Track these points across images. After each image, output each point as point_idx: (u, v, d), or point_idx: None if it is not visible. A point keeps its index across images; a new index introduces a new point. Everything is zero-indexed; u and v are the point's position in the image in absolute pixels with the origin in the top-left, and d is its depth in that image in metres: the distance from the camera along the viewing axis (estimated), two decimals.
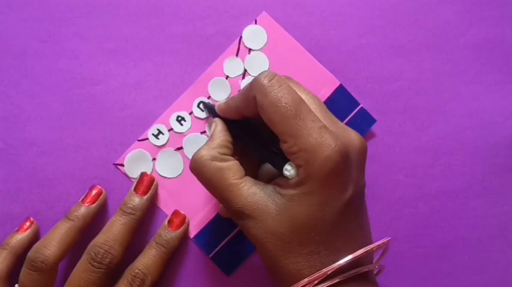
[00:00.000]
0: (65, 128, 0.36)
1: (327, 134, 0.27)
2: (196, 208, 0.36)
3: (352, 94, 0.38)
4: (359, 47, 0.38)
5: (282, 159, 0.29)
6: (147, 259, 0.33)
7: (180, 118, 0.37)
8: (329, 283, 0.27)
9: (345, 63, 0.38)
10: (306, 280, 0.27)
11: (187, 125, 0.37)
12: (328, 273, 0.27)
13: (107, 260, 0.31)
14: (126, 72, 0.37)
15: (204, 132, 0.37)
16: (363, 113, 0.38)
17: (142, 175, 0.35)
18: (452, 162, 0.38)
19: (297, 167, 0.28)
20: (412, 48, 0.38)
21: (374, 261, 0.30)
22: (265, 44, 0.37)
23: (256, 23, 0.38)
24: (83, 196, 0.34)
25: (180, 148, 0.37)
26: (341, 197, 0.28)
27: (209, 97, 0.37)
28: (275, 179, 0.30)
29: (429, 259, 0.38)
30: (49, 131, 0.36)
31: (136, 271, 0.32)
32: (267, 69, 0.37)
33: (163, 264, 0.33)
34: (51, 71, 0.36)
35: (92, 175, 0.36)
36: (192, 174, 0.36)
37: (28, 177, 0.36)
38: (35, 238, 0.34)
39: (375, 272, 0.31)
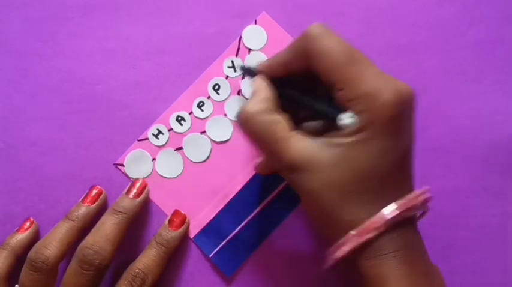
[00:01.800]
0: (65, 128, 0.36)
1: (385, 79, 0.27)
2: (196, 208, 0.36)
3: None
4: (359, 47, 0.38)
5: (335, 110, 0.28)
6: (148, 259, 0.33)
7: (180, 118, 0.37)
8: (379, 228, 0.27)
9: None
10: (360, 227, 0.27)
11: (187, 125, 0.37)
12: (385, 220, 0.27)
13: (97, 261, 0.31)
14: (126, 72, 0.37)
15: (204, 132, 0.37)
16: None
17: (134, 180, 0.35)
18: (452, 162, 0.38)
19: (356, 113, 0.27)
20: (412, 48, 0.38)
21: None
22: (265, 44, 0.37)
23: (256, 23, 0.38)
24: (83, 196, 0.34)
25: (180, 148, 0.37)
26: (401, 145, 0.27)
27: (209, 97, 0.37)
28: (326, 132, 0.29)
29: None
30: (49, 131, 0.36)
31: (137, 270, 0.32)
32: None
33: (163, 264, 0.33)
34: (51, 71, 0.36)
35: (92, 175, 0.36)
36: (192, 172, 0.36)
37: (28, 177, 0.36)
38: (35, 238, 0.34)
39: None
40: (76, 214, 0.33)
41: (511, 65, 0.39)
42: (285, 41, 0.38)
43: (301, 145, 0.28)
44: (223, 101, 0.37)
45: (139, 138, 0.36)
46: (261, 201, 0.36)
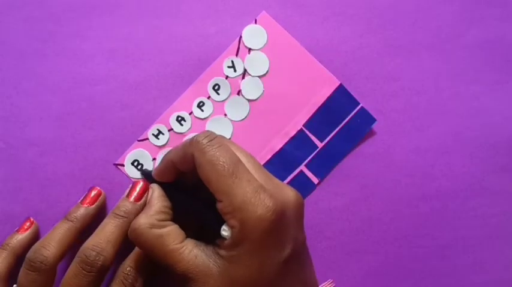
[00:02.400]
0: (65, 128, 0.36)
1: (261, 194, 0.27)
2: None
3: (352, 94, 0.38)
4: (359, 47, 0.38)
5: (219, 219, 0.29)
6: (139, 256, 0.32)
7: (180, 118, 0.37)
8: None
9: (345, 63, 0.38)
10: None
11: (187, 125, 0.37)
12: None
13: (99, 263, 0.30)
14: (126, 72, 0.37)
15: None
16: (363, 112, 0.38)
17: (134, 182, 0.35)
18: (452, 162, 0.38)
19: (232, 227, 0.28)
20: (412, 48, 0.38)
21: None
22: (265, 44, 0.37)
23: (256, 22, 0.38)
24: (82, 197, 0.34)
25: None
26: (279, 256, 0.28)
27: (209, 97, 0.37)
28: (217, 238, 0.29)
29: (429, 259, 0.38)
30: (49, 131, 0.36)
31: (128, 269, 0.32)
32: (267, 69, 0.37)
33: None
34: (51, 71, 0.36)
35: (92, 175, 0.36)
36: None
37: (28, 177, 0.36)
38: (35, 238, 0.34)
39: None
40: (75, 214, 0.33)
41: (511, 65, 0.39)
42: (285, 40, 0.38)
43: (191, 256, 0.28)
44: (223, 101, 0.37)
45: (139, 139, 0.36)
46: None
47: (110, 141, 0.36)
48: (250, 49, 0.37)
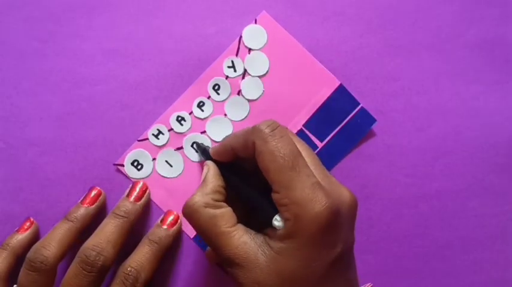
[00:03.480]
0: (65, 128, 0.36)
1: (319, 191, 0.27)
2: None
3: (352, 94, 0.38)
4: (359, 47, 0.38)
5: (272, 209, 0.29)
6: (140, 256, 0.32)
7: (180, 118, 0.37)
8: None
9: (345, 63, 0.38)
10: None
11: (187, 125, 0.37)
12: None
13: (99, 263, 0.31)
14: (126, 72, 0.37)
15: (204, 132, 0.37)
16: (363, 112, 0.38)
17: (134, 182, 0.35)
18: (452, 162, 0.38)
19: (286, 220, 0.27)
20: (412, 48, 0.38)
21: None
22: (265, 44, 0.37)
23: (256, 22, 0.38)
24: (82, 197, 0.34)
25: (180, 148, 0.37)
26: (329, 255, 0.28)
27: (209, 97, 0.37)
28: (267, 227, 0.29)
29: (429, 259, 0.38)
30: (49, 131, 0.36)
31: (129, 269, 0.31)
32: (267, 69, 0.37)
33: (156, 261, 0.33)
34: (51, 71, 0.36)
35: (92, 175, 0.36)
36: (192, 172, 0.36)
37: (28, 177, 0.36)
38: (35, 238, 0.34)
39: None
40: (75, 214, 0.33)
41: (511, 65, 0.39)
42: (285, 40, 0.38)
43: (241, 241, 0.28)
44: (223, 101, 0.37)
45: (139, 139, 0.36)
46: None
47: (110, 142, 0.36)
48: (250, 49, 0.37)
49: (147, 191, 0.35)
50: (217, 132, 0.37)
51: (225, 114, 0.37)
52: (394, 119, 0.38)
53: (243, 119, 0.37)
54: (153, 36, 0.37)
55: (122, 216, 0.33)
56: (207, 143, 0.37)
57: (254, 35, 0.37)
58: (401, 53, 0.38)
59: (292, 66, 0.37)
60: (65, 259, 0.32)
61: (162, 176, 0.36)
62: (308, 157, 0.30)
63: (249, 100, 0.37)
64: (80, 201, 0.34)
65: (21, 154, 0.36)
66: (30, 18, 0.36)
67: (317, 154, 0.37)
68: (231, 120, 0.37)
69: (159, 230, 0.34)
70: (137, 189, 0.35)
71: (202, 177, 0.32)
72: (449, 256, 0.38)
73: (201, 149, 0.35)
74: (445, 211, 0.38)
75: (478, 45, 0.39)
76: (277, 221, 0.28)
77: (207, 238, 0.29)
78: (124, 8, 0.37)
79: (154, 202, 0.36)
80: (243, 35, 0.37)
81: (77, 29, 0.37)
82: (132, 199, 0.34)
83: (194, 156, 0.36)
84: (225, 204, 0.30)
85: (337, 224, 0.28)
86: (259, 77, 0.37)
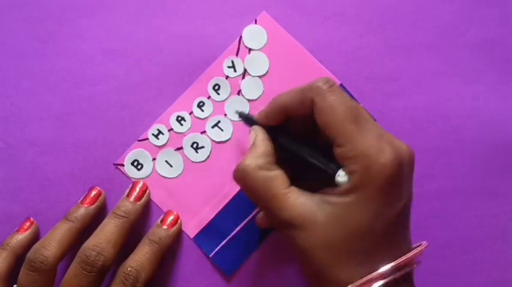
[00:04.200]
0: (65, 128, 0.36)
1: (384, 142, 0.27)
2: (196, 208, 0.36)
3: (352, 94, 0.38)
4: (359, 47, 0.38)
5: (332, 165, 0.28)
6: (140, 256, 0.32)
7: (180, 118, 0.37)
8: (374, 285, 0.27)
9: (345, 63, 0.38)
10: (355, 283, 0.27)
11: (187, 125, 0.37)
12: (373, 278, 0.27)
13: (99, 263, 0.30)
14: (126, 72, 0.37)
15: (204, 132, 0.37)
16: None
17: (134, 182, 0.35)
18: (452, 162, 0.38)
19: (351, 173, 0.27)
20: (412, 48, 0.38)
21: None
22: (265, 44, 0.37)
23: (256, 22, 0.38)
24: (82, 197, 0.34)
25: (180, 148, 0.37)
26: (394, 208, 0.27)
27: (209, 97, 0.37)
28: (320, 189, 0.29)
29: (429, 259, 0.38)
30: (49, 131, 0.36)
31: (129, 269, 0.31)
32: (267, 69, 0.37)
33: (156, 261, 0.33)
34: (51, 71, 0.36)
35: (92, 175, 0.36)
36: (192, 172, 0.36)
37: (28, 177, 0.36)
38: (35, 238, 0.34)
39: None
40: (75, 215, 0.33)
41: (511, 65, 0.39)
42: (285, 40, 0.38)
43: (297, 203, 0.28)
44: (223, 101, 0.37)
45: (139, 139, 0.36)
46: None
47: (110, 142, 0.36)
48: (250, 49, 0.37)
49: (147, 191, 0.35)
50: (218, 132, 0.37)
51: (225, 114, 0.37)
52: (394, 119, 0.38)
53: None
54: (153, 36, 0.37)
55: (122, 216, 0.33)
56: (206, 143, 0.37)
57: (254, 35, 0.37)
58: (401, 53, 0.38)
59: (292, 66, 0.37)
60: (65, 259, 0.32)
61: (162, 176, 0.36)
62: (365, 113, 0.30)
63: (249, 100, 0.37)
64: (80, 201, 0.34)
65: (21, 154, 0.36)
66: (30, 18, 0.36)
67: None
68: (231, 120, 0.37)
69: (159, 230, 0.34)
70: (137, 189, 0.35)
71: (251, 142, 0.31)
72: (449, 256, 0.38)
73: (244, 116, 0.34)
74: (445, 211, 0.38)
75: (478, 45, 0.39)
76: (340, 177, 0.28)
77: (260, 201, 0.29)
78: (124, 8, 0.37)
79: (154, 202, 0.36)
80: (243, 35, 0.37)
81: (77, 29, 0.37)
82: (132, 199, 0.34)
83: (194, 156, 0.36)
84: (277, 167, 0.30)
85: (402, 176, 0.28)
86: (259, 77, 0.37)
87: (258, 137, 0.31)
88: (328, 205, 0.27)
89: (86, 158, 0.36)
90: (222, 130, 0.37)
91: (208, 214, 0.36)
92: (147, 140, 0.36)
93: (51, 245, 0.31)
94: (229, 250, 0.36)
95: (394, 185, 0.27)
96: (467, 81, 0.38)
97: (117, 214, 0.33)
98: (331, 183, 0.28)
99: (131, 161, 0.36)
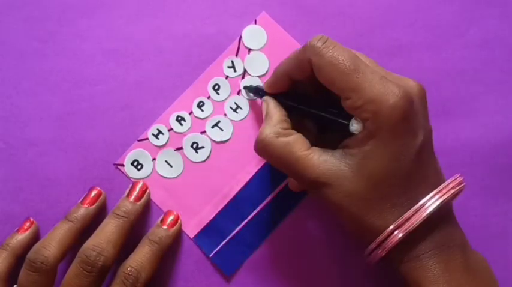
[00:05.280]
0: (65, 128, 0.36)
1: (389, 83, 0.27)
2: (196, 208, 0.36)
3: None
4: (359, 47, 0.38)
5: (345, 117, 0.29)
6: (140, 256, 0.32)
7: (180, 118, 0.37)
8: (415, 222, 0.27)
9: None
10: (392, 226, 0.28)
11: (187, 125, 0.37)
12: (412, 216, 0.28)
13: (100, 263, 0.30)
14: (126, 72, 0.37)
15: (203, 132, 0.37)
16: None
17: (134, 182, 0.35)
18: (452, 162, 0.38)
19: (364, 120, 0.28)
20: (412, 48, 0.38)
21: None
22: (264, 44, 0.37)
23: (256, 23, 0.38)
24: (82, 197, 0.34)
25: (180, 148, 0.37)
26: (414, 144, 0.28)
27: (209, 97, 0.37)
28: (340, 143, 0.29)
29: None
30: (49, 131, 0.36)
31: (129, 269, 0.31)
32: (266, 69, 0.37)
33: (156, 261, 0.33)
34: (51, 71, 0.36)
35: (92, 175, 0.36)
36: (192, 172, 0.36)
37: (28, 177, 0.36)
38: (35, 238, 0.34)
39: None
40: (75, 215, 0.33)
41: (511, 65, 0.39)
42: (285, 41, 0.38)
43: (320, 161, 0.29)
44: (223, 101, 0.37)
45: (139, 139, 0.36)
46: (261, 201, 0.36)
47: (110, 142, 0.36)
48: (250, 49, 0.37)
49: (147, 191, 0.35)
50: (218, 132, 0.37)
51: (225, 114, 0.37)
52: None
53: (243, 119, 0.37)
54: (153, 36, 0.37)
55: (122, 216, 0.33)
56: (206, 143, 0.37)
57: (254, 35, 0.37)
58: (401, 53, 0.38)
59: None
60: (65, 259, 0.32)
61: (162, 176, 0.36)
62: (365, 59, 0.30)
63: (249, 100, 0.37)
64: (80, 201, 0.34)
65: (21, 154, 0.36)
66: (30, 18, 0.36)
67: None
68: (231, 120, 0.37)
69: (159, 230, 0.34)
70: (137, 189, 0.35)
71: (264, 112, 0.32)
72: None
73: (253, 89, 0.35)
74: None
75: (478, 45, 0.39)
76: (353, 126, 0.28)
77: (285, 166, 0.30)
78: (124, 8, 0.37)
79: (154, 202, 0.36)
80: (243, 35, 0.37)
81: (77, 29, 0.37)
82: (132, 198, 0.34)
83: (194, 156, 0.36)
84: (294, 131, 0.31)
85: (414, 112, 0.28)
86: (259, 77, 0.37)
87: (270, 105, 0.32)
88: (350, 156, 0.28)
89: (86, 158, 0.36)
90: (222, 130, 0.37)
91: (208, 214, 0.36)
92: (147, 140, 0.36)
93: (51, 246, 0.31)
94: (229, 250, 0.36)
95: (407, 123, 0.27)
96: (467, 81, 0.38)
97: (117, 214, 0.33)
98: (349, 135, 0.29)
99: (131, 161, 0.36)
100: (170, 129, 0.37)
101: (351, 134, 0.29)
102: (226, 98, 0.37)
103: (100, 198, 0.35)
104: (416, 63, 0.38)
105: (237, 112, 0.37)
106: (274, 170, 0.36)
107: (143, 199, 0.35)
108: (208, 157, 0.37)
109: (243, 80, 0.37)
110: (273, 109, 0.32)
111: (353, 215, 0.28)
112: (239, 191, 0.36)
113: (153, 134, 0.36)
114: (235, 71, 0.37)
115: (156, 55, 0.37)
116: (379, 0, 0.38)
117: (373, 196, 0.28)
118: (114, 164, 0.36)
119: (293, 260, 0.36)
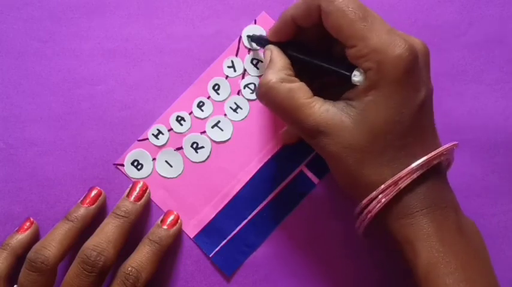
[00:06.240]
0: (65, 128, 0.36)
1: (395, 35, 0.28)
2: (196, 208, 0.36)
3: None
4: None
5: (348, 67, 0.29)
6: (141, 256, 0.32)
7: (179, 118, 0.37)
8: (407, 180, 0.27)
9: None
10: (389, 181, 0.28)
11: (187, 125, 0.37)
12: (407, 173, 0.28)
13: (100, 263, 0.30)
14: (126, 72, 0.37)
15: (203, 132, 0.37)
16: None
17: (134, 182, 0.35)
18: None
19: (367, 70, 0.28)
20: None
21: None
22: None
23: (255, 23, 0.38)
24: (83, 197, 0.34)
25: (180, 148, 0.37)
26: (416, 97, 0.28)
27: (209, 97, 0.37)
28: (343, 95, 0.29)
29: None
30: (49, 131, 0.36)
31: (130, 269, 0.31)
32: None
33: (156, 261, 0.33)
34: (51, 71, 0.36)
35: (92, 175, 0.36)
36: (192, 172, 0.36)
37: (28, 177, 0.36)
38: (35, 238, 0.34)
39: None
40: (75, 215, 0.33)
41: (511, 65, 0.39)
42: None
43: (322, 110, 0.29)
44: (223, 101, 0.37)
45: (139, 139, 0.36)
46: (261, 201, 0.36)
47: (110, 141, 0.36)
48: (249, 49, 0.37)
49: (147, 191, 0.35)
50: (217, 132, 0.37)
51: (225, 114, 0.37)
52: None
53: (243, 119, 0.37)
54: (153, 36, 0.37)
55: (122, 216, 0.33)
56: (206, 143, 0.37)
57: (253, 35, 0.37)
58: None
59: None
60: (65, 259, 0.32)
61: (162, 176, 0.36)
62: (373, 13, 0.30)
63: (248, 100, 0.37)
64: (80, 201, 0.34)
65: (21, 154, 0.36)
66: (30, 18, 0.36)
67: (317, 153, 0.37)
68: (231, 120, 0.37)
69: (160, 230, 0.34)
70: (137, 189, 0.35)
71: (267, 60, 0.32)
72: None
73: (256, 38, 0.35)
74: None
75: (478, 45, 0.39)
76: (356, 76, 0.28)
77: (286, 112, 0.30)
78: (124, 8, 0.37)
79: (154, 202, 0.36)
80: (242, 35, 0.37)
81: (77, 29, 0.37)
82: (132, 198, 0.34)
83: (194, 156, 0.36)
84: (297, 79, 0.30)
85: (418, 67, 0.28)
86: (259, 77, 0.37)
87: (274, 52, 0.32)
88: (351, 107, 0.28)
89: (86, 158, 0.36)
90: (222, 130, 0.37)
91: (208, 213, 0.36)
92: (147, 140, 0.36)
93: (51, 245, 0.31)
94: (229, 250, 0.36)
95: (410, 76, 0.27)
96: (467, 81, 0.38)
97: (117, 214, 0.33)
98: (351, 88, 0.29)
99: (131, 161, 0.36)
100: (170, 129, 0.37)
101: (353, 87, 0.29)
102: (226, 98, 0.37)
103: (100, 198, 0.35)
104: None
105: (237, 112, 0.37)
106: (274, 170, 0.36)
107: (143, 198, 0.35)
108: (208, 157, 0.37)
109: (243, 79, 0.37)
110: (277, 56, 0.32)
111: (350, 167, 0.28)
112: (239, 191, 0.36)
113: (153, 134, 0.36)
114: (235, 70, 0.37)
115: (156, 55, 0.37)
116: (379, 0, 0.38)
117: (372, 149, 0.28)
118: (114, 164, 0.36)
119: (293, 260, 0.36)
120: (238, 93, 0.37)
